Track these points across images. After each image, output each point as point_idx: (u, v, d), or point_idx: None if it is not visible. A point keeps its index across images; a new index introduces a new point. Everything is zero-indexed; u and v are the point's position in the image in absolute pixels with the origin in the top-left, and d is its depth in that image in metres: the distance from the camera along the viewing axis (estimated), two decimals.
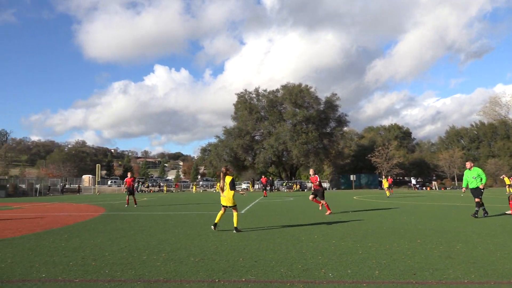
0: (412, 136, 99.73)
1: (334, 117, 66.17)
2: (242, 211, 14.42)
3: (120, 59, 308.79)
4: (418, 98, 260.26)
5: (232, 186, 8.80)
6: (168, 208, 17.47)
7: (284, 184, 62.12)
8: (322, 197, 13.54)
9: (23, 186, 51.18)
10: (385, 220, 10.81)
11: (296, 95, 63.58)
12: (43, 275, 4.69)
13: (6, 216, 13.84)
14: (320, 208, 14.27)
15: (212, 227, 8.92)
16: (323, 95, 72.41)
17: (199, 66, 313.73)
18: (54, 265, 5.27)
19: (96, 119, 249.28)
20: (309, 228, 9.14)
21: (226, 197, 8.81)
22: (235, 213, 8.84)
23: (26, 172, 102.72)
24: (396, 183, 69.75)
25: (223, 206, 8.93)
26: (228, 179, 8.87)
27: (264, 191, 34.99)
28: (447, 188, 56.20)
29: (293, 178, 68.74)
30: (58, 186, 53.87)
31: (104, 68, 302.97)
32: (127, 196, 18.78)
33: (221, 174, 9.07)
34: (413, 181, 56.09)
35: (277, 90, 68.18)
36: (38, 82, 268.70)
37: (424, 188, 54.43)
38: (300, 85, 65.95)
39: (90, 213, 15.06)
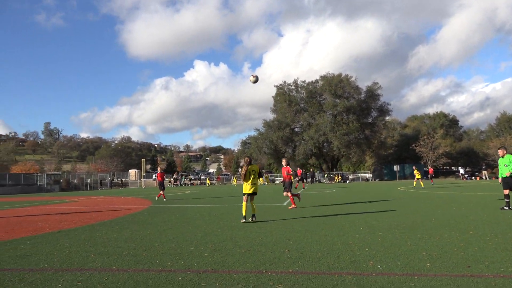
0: (459, 124, 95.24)
1: (376, 106, 64.38)
2: (285, 203, 14.43)
3: (161, 56, 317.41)
4: (465, 84, 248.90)
5: (260, 174, 9.44)
6: (212, 201, 17.79)
7: (325, 175, 61.47)
8: (289, 189, 12.87)
9: (75, 181, 53.90)
10: (434, 211, 10.44)
11: (335, 85, 62.43)
12: (99, 265, 4.92)
13: (62, 209, 14.65)
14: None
15: (250, 219, 9.08)
16: (363, 84, 70.87)
17: (237, 60, 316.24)
18: (108, 255, 5.52)
19: (140, 115, 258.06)
20: (354, 220, 9.00)
21: (256, 185, 9.29)
22: (253, 202, 9.36)
23: (77, 167, 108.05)
24: (443, 173, 67.16)
25: (248, 194, 9.18)
26: (256, 167, 9.38)
27: (302, 183, 34.26)
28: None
29: (334, 170, 67.83)
30: (106, 180, 56.25)
31: (146, 65, 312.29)
32: (161, 190, 19.12)
33: (246, 163, 9.33)
34: (461, 171, 53.80)
35: (316, 81, 67.24)
36: (86, 82, 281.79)
37: (473, 178, 52.01)
38: (339, 75, 64.70)
39: (137, 206, 15.63)
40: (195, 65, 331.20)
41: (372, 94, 63.45)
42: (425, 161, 62.11)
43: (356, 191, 24.75)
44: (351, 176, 63.56)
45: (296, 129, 68.67)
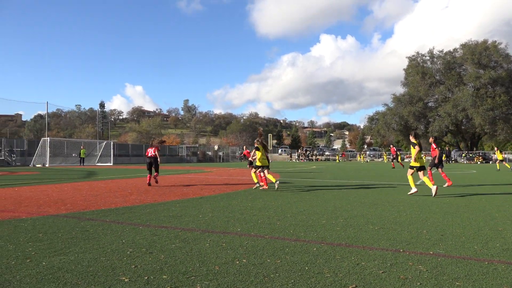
0: None
1: None
2: (417, 182, 13.55)
3: (288, 33, 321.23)
4: None
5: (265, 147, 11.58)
6: (338, 176, 17.68)
7: (463, 155, 55.67)
8: (253, 165, 12.29)
9: (209, 153, 58.93)
10: None
11: (480, 53, 55.23)
12: (238, 229, 5.34)
13: (201, 178, 16.19)
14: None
15: (258, 186, 11.37)
16: None
17: (366, 31, 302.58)
18: (245, 222, 5.94)
19: (267, 92, 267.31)
20: (502, 204, 8.01)
21: (266, 159, 11.41)
22: (267, 171, 11.24)
23: (211, 141, 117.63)
24: None
25: (262, 166, 11.20)
26: (265, 146, 11.55)
27: (392, 162, 32.21)
28: None
29: (474, 149, 60.94)
30: (236, 154, 60.15)
31: (274, 43, 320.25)
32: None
33: (260, 143, 11.30)
34: None
35: (455, 50, 60.45)
36: (220, 60, 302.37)
37: None
38: (485, 41, 56.95)
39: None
40: (322, 39, 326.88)
41: None
42: None
43: (502, 173, 21.89)
44: (494, 156, 56.34)
45: (430, 104, 63.33)
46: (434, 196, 9.13)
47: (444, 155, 45.50)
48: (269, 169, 11.47)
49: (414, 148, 9.80)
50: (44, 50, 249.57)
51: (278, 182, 10.85)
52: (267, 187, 10.92)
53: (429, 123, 60.69)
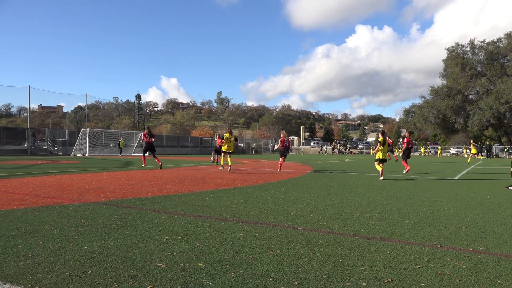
0: None
1: None
2: (456, 177, 13.13)
3: (324, 24, 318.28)
4: None
5: (235, 139, 16.32)
6: (371, 170, 17.35)
7: (505, 150, 53.27)
8: (218, 153, 17.51)
9: (241, 145, 59.25)
10: None
11: None
12: (272, 220, 5.36)
13: (234, 169, 16.34)
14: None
15: (216, 164, 15.73)
16: None
17: (405, 22, 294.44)
18: (278, 213, 5.96)
19: (301, 84, 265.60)
20: None
21: (231, 146, 15.65)
22: (230, 158, 15.41)
23: (243, 133, 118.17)
24: None
25: (227, 152, 15.49)
26: (230, 137, 15.54)
27: (388, 154, 30.88)
28: None
29: None
30: (268, 146, 60.20)
31: (308, 34, 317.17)
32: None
33: (229, 135, 15.57)
34: None
35: (499, 40, 57.54)
36: (254, 52, 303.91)
37: None
38: None
39: (299, 171, 16.34)
40: (357, 30, 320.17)
41: None
42: None
43: None
44: None
45: (470, 97, 60.82)
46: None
47: (485, 150, 43.65)
48: (231, 154, 15.61)
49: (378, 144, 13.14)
50: (84, 43, 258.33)
51: (229, 167, 15.05)
52: (221, 168, 16.21)
53: (469, 117, 58.35)
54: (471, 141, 31.10)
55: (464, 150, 54.79)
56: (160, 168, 15.38)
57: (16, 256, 3.49)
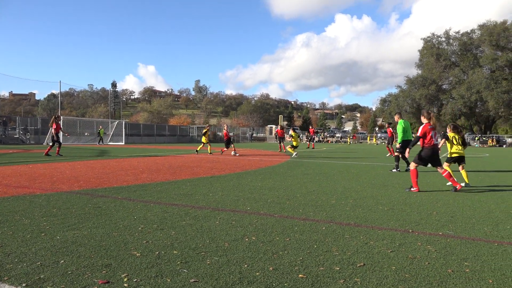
0: None
1: None
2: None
3: (304, 12, 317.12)
4: None
5: (204, 134, 19.96)
6: (348, 158, 17.62)
7: (476, 138, 54.97)
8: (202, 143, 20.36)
9: (220, 134, 59.02)
10: None
11: (498, 34, 53.74)
12: (248, 208, 5.39)
13: (211, 158, 16.29)
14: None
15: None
16: None
17: (384, 11, 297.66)
18: (255, 201, 5.99)
19: (280, 73, 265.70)
20: None
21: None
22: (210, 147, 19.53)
23: (222, 121, 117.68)
24: None
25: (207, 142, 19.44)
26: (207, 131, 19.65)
27: (311, 143, 33.00)
28: None
29: (488, 132, 60.06)
30: (247, 134, 60.18)
31: (289, 23, 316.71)
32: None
33: (208, 129, 20.61)
34: None
35: (473, 31, 58.85)
36: (233, 41, 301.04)
37: None
38: (504, 22, 55.29)
39: (277, 159, 16.43)
40: (337, 19, 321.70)
41: None
42: None
43: None
44: (509, 140, 55.47)
45: (443, 87, 62.25)
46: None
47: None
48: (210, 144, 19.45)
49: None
50: (57, 29, 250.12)
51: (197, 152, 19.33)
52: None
53: (442, 106, 59.78)
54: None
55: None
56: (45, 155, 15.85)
57: None
